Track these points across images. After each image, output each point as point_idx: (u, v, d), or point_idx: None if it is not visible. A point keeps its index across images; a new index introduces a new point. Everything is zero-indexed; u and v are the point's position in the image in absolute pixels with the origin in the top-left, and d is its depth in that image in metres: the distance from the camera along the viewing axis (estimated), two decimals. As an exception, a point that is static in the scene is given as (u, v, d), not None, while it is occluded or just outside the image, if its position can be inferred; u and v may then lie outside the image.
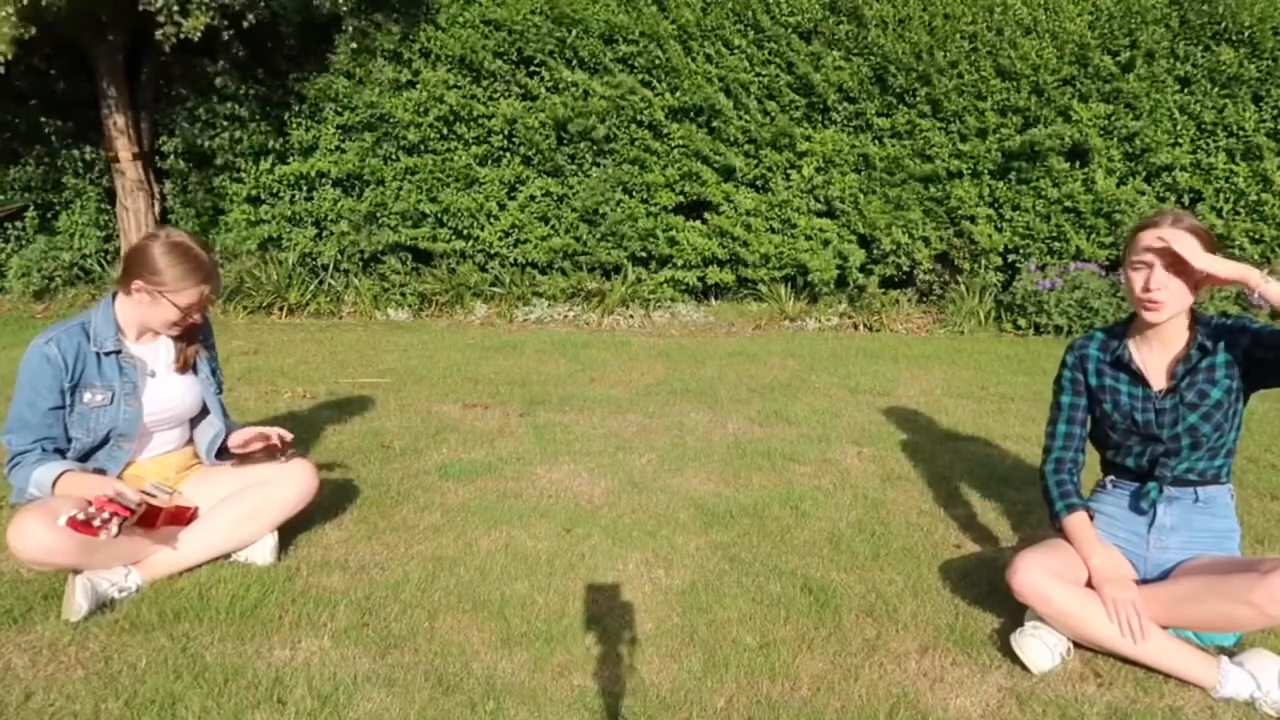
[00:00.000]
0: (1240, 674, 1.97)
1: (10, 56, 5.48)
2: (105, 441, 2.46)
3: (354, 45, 6.54)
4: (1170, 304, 2.10)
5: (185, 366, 2.60)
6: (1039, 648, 2.06)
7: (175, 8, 5.60)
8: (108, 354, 2.43)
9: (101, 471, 2.46)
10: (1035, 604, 2.09)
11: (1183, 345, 2.19)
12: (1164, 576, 2.19)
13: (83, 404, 2.40)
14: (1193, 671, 2.00)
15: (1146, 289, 2.10)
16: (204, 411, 2.69)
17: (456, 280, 6.93)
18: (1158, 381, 2.21)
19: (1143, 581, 2.21)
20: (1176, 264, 2.05)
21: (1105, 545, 2.23)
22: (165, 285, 2.39)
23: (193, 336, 2.62)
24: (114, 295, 2.49)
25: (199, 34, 5.67)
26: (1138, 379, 2.23)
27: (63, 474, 2.35)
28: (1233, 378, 2.14)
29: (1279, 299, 1.95)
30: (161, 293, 2.40)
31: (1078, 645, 2.12)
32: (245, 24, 5.85)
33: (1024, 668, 2.06)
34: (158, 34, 5.70)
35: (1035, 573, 2.08)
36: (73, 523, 2.13)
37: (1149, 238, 2.08)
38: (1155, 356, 2.22)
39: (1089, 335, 2.38)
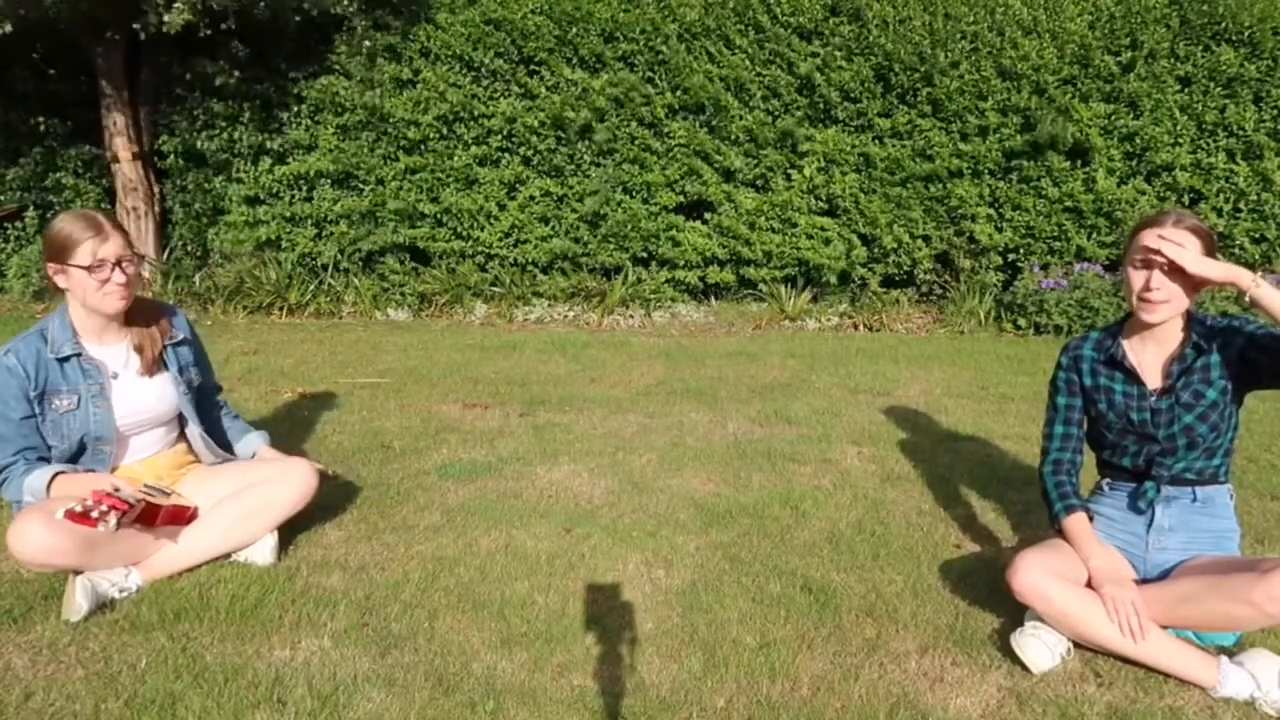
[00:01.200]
0: (1240, 674, 1.97)
1: (8, 29, 5.48)
2: (83, 448, 2.44)
3: (365, 44, 6.54)
4: (1169, 305, 2.10)
5: (150, 368, 2.54)
6: (1039, 648, 2.06)
7: (161, 2, 5.60)
8: (66, 359, 2.40)
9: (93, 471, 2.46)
10: (1035, 604, 2.08)
11: (1178, 345, 2.19)
12: (1164, 577, 2.20)
13: (52, 410, 2.38)
14: (1193, 671, 2.00)
15: (1146, 289, 2.10)
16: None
17: (456, 280, 6.93)
18: (1152, 380, 2.21)
19: (1142, 581, 2.21)
20: (1177, 266, 2.05)
21: (1105, 546, 2.23)
22: (63, 254, 2.33)
23: (140, 331, 2.53)
24: (68, 302, 2.46)
25: (178, 29, 5.65)
26: (1132, 378, 2.23)
27: (56, 476, 2.35)
28: (1228, 378, 2.14)
29: (1268, 303, 1.93)
30: (66, 264, 2.34)
31: (1078, 645, 2.12)
32: (224, 26, 5.84)
33: (1024, 668, 2.06)
34: (135, 24, 5.69)
35: (1035, 572, 2.08)
36: (70, 515, 2.13)
37: (1149, 238, 2.08)
38: (1150, 355, 2.22)
39: (1084, 336, 2.38)
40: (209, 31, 5.82)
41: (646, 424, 4.03)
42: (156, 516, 2.33)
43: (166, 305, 2.71)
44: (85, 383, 2.42)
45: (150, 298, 2.77)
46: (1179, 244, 2.03)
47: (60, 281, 2.39)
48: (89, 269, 2.34)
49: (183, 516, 2.45)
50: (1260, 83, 6.08)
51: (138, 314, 2.54)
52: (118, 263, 2.37)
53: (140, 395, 2.52)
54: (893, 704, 1.95)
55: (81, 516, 2.14)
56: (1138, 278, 2.12)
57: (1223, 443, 2.20)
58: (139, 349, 2.53)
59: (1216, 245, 2.11)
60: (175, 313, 2.70)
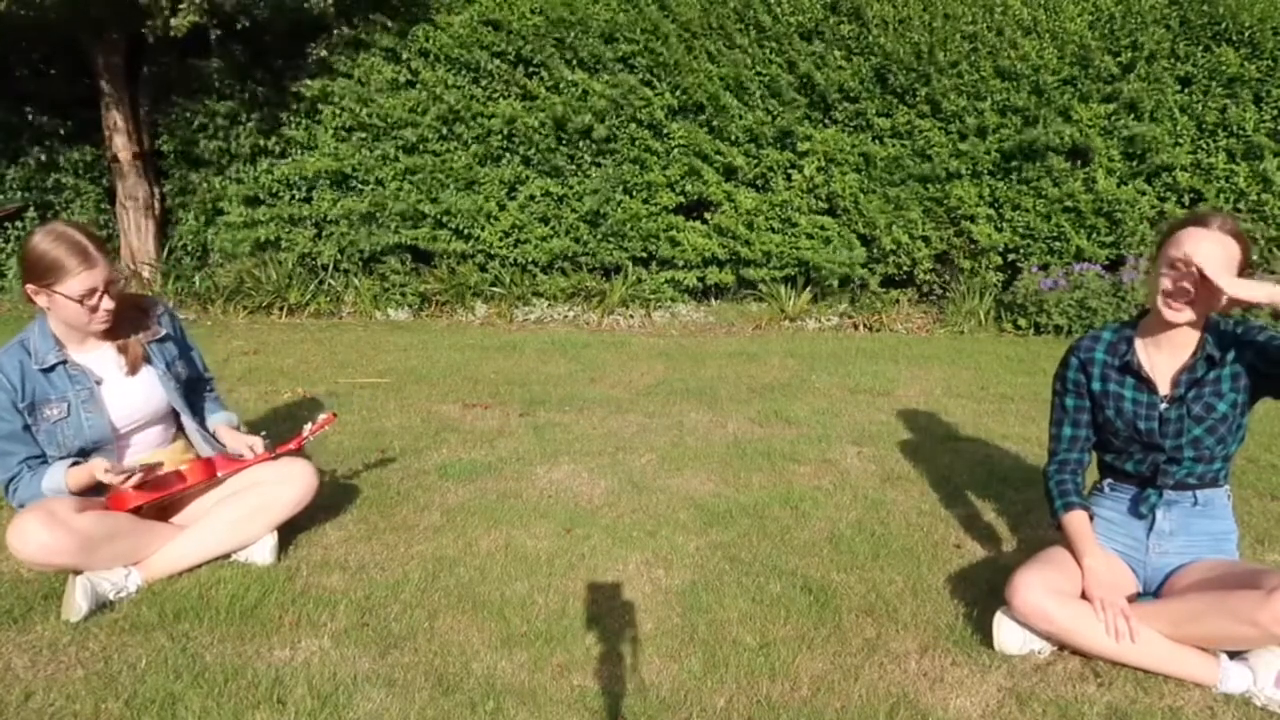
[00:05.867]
0: (1240, 669, 1.98)
1: None
2: (83, 454, 2.42)
3: (345, 43, 6.54)
4: (1193, 310, 2.07)
5: (134, 367, 2.50)
6: (1012, 632, 2.09)
7: (165, 4, 5.59)
8: (51, 368, 2.37)
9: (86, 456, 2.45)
10: (1038, 623, 2.07)
11: (1191, 352, 2.15)
12: (1165, 579, 2.19)
13: (44, 420, 2.36)
14: (1194, 671, 2.00)
15: (1172, 293, 2.06)
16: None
17: (456, 280, 6.93)
18: (1164, 386, 2.18)
19: (1144, 595, 2.20)
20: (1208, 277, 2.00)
21: (1103, 549, 2.22)
22: (48, 279, 2.27)
23: (121, 333, 2.48)
24: (46, 315, 2.41)
25: (184, 32, 5.65)
26: (1144, 384, 2.20)
27: (69, 470, 2.35)
28: (1239, 391, 2.12)
29: None
30: (50, 288, 2.28)
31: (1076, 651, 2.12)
32: (239, 26, 5.84)
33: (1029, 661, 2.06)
34: (144, 28, 5.69)
35: (1035, 592, 2.07)
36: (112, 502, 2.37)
37: (1189, 244, 2.02)
38: (1163, 360, 2.19)
39: (1094, 337, 2.31)
40: (218, 32, 5.82)
41: (646, 424, 4.03)
42: (170, 482, 2.44)
43: (147, 299, 2.66)
44: (74, 389, 2.39)
45: (130, 293, 2.69)
46: (1210, 257, 1.97)
47: (41, 301, 2.32)
48: (80, 300, 2.30)
49: (208, 471, 2.54)
50: (1260, 83, 6.08)
51: (119, 316, 2.45)
52: (105, 289, 2.33)
53: (130, 395, 2.50)
54: (893, 704, 1.95)
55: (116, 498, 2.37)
56: (1166, 280, 2.07)
57: (1227, 450, 2.18)
58: (122, 350, 2.49)
59: (1250, 250, 2.08)
60: (156, 305, 2.64)
